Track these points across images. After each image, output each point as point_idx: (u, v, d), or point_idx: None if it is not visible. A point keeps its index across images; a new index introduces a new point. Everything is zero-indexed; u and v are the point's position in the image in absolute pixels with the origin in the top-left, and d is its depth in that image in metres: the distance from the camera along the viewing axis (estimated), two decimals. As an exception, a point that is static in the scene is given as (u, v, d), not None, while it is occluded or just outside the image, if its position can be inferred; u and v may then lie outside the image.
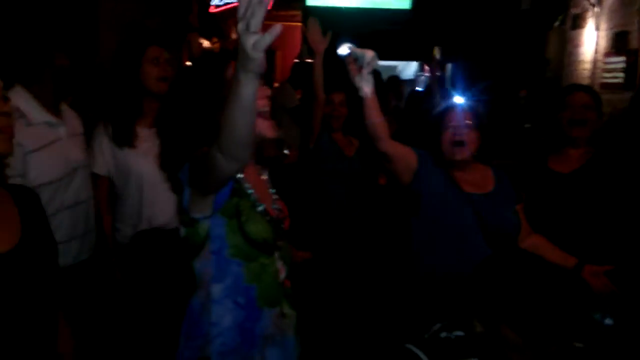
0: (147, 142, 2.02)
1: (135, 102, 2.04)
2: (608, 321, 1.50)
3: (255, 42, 1.05)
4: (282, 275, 1.52)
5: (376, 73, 4.95)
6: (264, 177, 1.61)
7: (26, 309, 1.13)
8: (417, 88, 10.01)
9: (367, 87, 1.68)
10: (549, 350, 1.35)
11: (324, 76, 2.95)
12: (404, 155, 1.91)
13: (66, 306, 1.78)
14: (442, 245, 1.83)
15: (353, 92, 1.77)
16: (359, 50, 1.65)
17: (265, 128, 1.45)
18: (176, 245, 1.56)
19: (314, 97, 2.92)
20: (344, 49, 6.85)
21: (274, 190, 1.61)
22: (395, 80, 6.17)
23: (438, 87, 5.33)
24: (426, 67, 10.55)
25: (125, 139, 2.02)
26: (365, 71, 1.64)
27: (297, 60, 6.34)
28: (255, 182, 1.52)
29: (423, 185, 1.88)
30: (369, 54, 1.64)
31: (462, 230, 1.82)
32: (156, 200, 2.02)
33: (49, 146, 1.79)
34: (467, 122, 1.90)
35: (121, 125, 2.02)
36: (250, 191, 1.47)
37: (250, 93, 1.11)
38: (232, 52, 1.58)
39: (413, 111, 5.27)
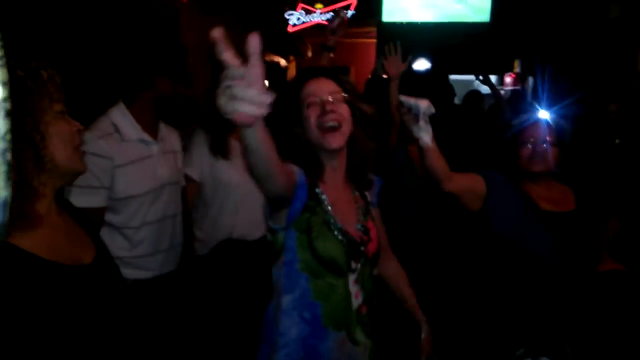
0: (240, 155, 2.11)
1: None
2: None
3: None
4: (358, 300, 1.48)
5: (450, 90, 4.85)
6: (356, 194, 1.58)
7: (108, 315, 1.18)
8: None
9: (426, 137, 1.65)
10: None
11: (399, 91, 2.94)
12: (471, 187, 1.87)
13: (147, 316, 1.87)
14: (515, 269, 1.73)
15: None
16: (412, 100, 1.62)
17: (333, 141, 1.45)
18: (256, 255, 1.60)
19: (390, 120, 2.91)
20: (420, 64, 6.81)
21: (368, 211, 1.58)
22: (476, 95, 5.91)
23: (506, 102, 5.13)
24: (506, 81, 10.22)
25: (220, 150, 2.14)
26: (422, 121, 1.59)
27: (370, 76, 6.33)
28: (340, 199, 1.50)
29: (495, 208, 1.81)
30: (424, 104, 1.59)
31: (537, 250, 1.71)
32: (239, 210, 2.12)
33: (139, 162, 1.89)
34: (548, 138, 1.83)
35: (218, 137, 2.14)
36: (328, 208, 1.46)
37: (252, 141, 1.10)
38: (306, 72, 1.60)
39: (494, 124, 5.07)
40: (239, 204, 2.18)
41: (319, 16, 7.69)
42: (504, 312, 1.74)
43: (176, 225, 2.05)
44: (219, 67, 2.16)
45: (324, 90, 1.48)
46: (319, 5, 7.78)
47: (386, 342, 1.65)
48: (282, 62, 9.89)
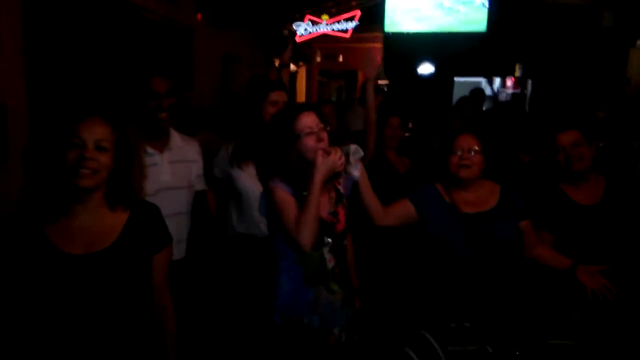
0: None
1: (254, 135, 2.54)
2: (577, 317, 1.75)
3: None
4: (331, 264, 2.01)
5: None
6: (330, 188, 2.06)
7: (117, 292, 1.53)
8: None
9: (355, 172, 2.05)
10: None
11: (404, 97, 3.24)
12: (402, 215, 2.26)
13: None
14: (441, 260, 2.16)
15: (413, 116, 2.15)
16: (343, 147, 2.06)
17: (311, 150, 1.91)
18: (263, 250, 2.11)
19: (367, 119, 3.22)
20: (425, 69, 7.17)
21: (340, 201, 2.08)
22: (479, 92, 6.21)
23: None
24: (507, 84, 10.56)
25: (237, 161, 2.58)
26: (352, 160, 2.01)
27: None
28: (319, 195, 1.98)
29: (425, 217, 2.22)
30: (353, 147, 2.02)
31: (455, 246, 2.12)
32: (252, 213, 2.55)
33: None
34: (476, 147, 2.18)
35: (239, 150, 2.59)
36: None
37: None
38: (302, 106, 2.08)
39: (494, 121, 5.31)
40: (252, 208, 2.56)
41: (325, 27, 8.12)
42: (437, 292, 2.15)
43: (179, 223, 2.41)
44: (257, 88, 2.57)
45: (315, 123, 1.96)
46: (324, 17, 8.20)
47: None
48: (292, 67, 10.36)
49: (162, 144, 2.39)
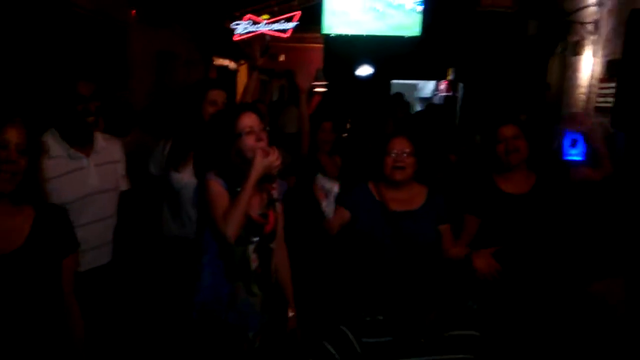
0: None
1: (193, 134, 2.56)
2: (474, 306, 1.91)
3: None
4: (255, 263, 2.05)
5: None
6: (263, 191, 2.11)
7: (25, 296, 1.53)
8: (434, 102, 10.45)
9: (330, 210, 2.19)
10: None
11: (343, 98, 3.30)
12: (342, 220, 2.38)
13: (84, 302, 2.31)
14: (364, 252, 2.29)
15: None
16: (327, 184, 2.15)
17: (250, 150, 1.98)
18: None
19: (301, 127, 3.31)
20: (363, 71, 7.33)
21: (272, 204, 2.12)
22: (398, 96, 6.54)
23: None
24: (440, 87, 10.98)
25: (174, 164, 2.58)
26: (331, 199, 2.14)
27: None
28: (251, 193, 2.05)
29: (356, 216, 2.34)
30: (335, 187, 2.14)
31: (381, 241, 2.25)
32: (188, 214, 2.56)
33: (67, 175, 2.23)
34: (407, 150, 2.31)
35: (176, 149, 2.59)
36: None
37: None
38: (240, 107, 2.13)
39: (428, 119, 5.53)
40: (188, 207, 2.55)
41: (265, 26, 8.15)
42: (356, 288, 2.27)
43: (107, 226, 2.42)
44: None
45: (255, 123, 2.03)
46: (265, 16, 8.24)
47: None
48: (232, 65, 10.31)
49: (87, 147, 2.37)
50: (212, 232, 2.01)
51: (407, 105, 6.21)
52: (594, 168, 2.95)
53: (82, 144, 2.33)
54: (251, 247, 2.05)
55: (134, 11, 5.82)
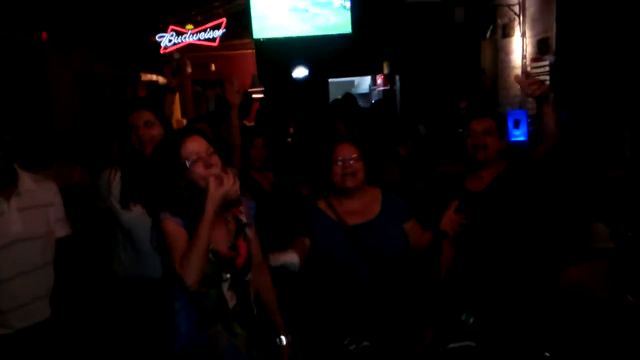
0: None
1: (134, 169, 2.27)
2: (471, 320, 1.79)
3: None
4: (232, 302, 1.82)
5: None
6: (229, 219, 1.87)
7: None
8: (373, 100, 10.44)
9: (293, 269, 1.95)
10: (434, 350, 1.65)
11: (282, 101, 3.09)
12: (306, 248, 2.13)
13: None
14: (332, 276, 2.11)
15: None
16: (282, 259, 1.90)
17: (201, 178, 1.76)
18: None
19: (231, 145, 3.04)
20: (298, 72, 7.08)
21: (241, 232, 1.88)
22: (350, 95, 6.27)
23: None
24: (377, 82, 10.99)
25: (123, 203, 2.26)
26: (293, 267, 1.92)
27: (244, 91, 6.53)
28: (214, 226, 1.79)
29: (314, 237, 2.14)
30: (295, 260, 1.91)
31: (341, 258, 2.08)
32: (144, 252, 2.26)
33: None
34: (354, 155, 2.15)
35: (124, 190, 2.28)
36: None
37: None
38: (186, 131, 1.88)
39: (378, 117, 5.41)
40: (145, 247, 2.18)
41: (191, 36, 7.82)
42: (328, 309, 2.08)
43: (38, 278, 2.11)
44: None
45: (202, 148, 1.79)
46: (189, 26, 7.91)
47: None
48: (161, 79, 9.88)
49: (7, 188, 2.05)
50: (177, 278, 1.76)
51: (354, 100, 5.99)
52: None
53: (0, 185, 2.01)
54: (225, 285, 1.81)
55: (45, 33, 5.39)
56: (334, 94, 9.90)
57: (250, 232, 1.93)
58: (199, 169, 1.75)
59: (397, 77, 9.86)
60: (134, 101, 2.49)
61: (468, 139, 2.40)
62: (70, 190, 2.74)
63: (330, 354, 1.74)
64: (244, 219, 1.92)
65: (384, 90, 10.36)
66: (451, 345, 1.62)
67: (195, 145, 1.79)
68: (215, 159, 1.80)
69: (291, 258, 1.89)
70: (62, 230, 2.22)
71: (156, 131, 2.30)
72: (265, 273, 2.01)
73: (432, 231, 2.16)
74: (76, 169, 3.33)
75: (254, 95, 7.83)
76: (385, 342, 1.74)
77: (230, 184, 1.72)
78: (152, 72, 9.22)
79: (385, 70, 10.32)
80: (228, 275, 1.81)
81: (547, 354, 1.78)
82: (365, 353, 1.64)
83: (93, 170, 3.09)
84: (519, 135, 6.08)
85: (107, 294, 2.49)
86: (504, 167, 2.40)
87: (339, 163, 2.14)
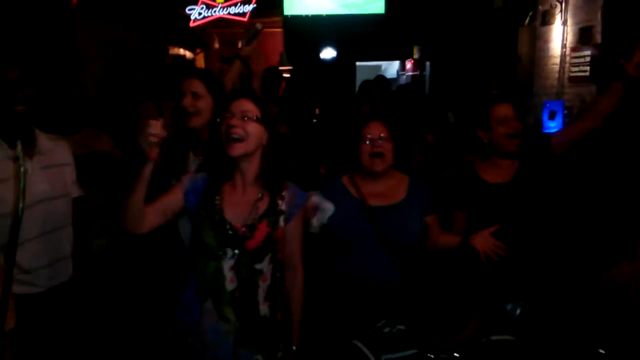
0: None
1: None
2: (517, 311, 1.67)
3: None
4: (232, 284, 1.71)
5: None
6: (263, 198, 1.77)
7: None
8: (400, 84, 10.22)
9: (317, 225, 1.91)
10: (476, 341, 1.53)
11: (308, 82, 3.01)
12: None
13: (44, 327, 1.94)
14: (349, 257, 2.01)
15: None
16: (324, 204, 1.87)
17: (232, 150, 1.72)
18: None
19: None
20: (327, 54, 6.92)
21: (269, 215, 1.76)
22: (383, 78, 6.04)
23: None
24: (407, 66, 10.76)
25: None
26: (323, 219, 1.90)
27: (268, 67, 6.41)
28: (238, 197, 1.76)
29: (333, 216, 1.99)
30: (330, 208, 1.89)
31: (359, 240, 1.99)
32: None
33: (9, 180, 1.89)
34: (383, 135, 2.04)
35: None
36: (216, 202, 1.75)
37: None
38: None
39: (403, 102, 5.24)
40: None
41: (221, 10, 7.70)
42: (348, 293, 2.01)
43: (62, 238, 2.08)
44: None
45: (238, 109, 1.73)
46: (219, 0, 7.79)
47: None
48: (188, 54, 9.81)
49: (29, 147, 1.98)
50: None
51: (387, 83, 5.80)
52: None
53: (25, 141, 1.93)
54: (227, 264, 1.70)
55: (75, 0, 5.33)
56: (360, 77, 9.72)
57: (285, 223, 1.78)
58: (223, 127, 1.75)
59: (428, 63, 9.63)
60: (188, 68, 2.40)
61: (499, 127, 2.23)
62: (101, 157, 2.71)
63: (361, 336, 1.64)
64: (282, 205, 1.79)
65: (412, 76, 10.14)
66: (494, 338, 1.50)
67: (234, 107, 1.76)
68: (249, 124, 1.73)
69: (329, 205, 1.83)
70: (76, 191, 2.18)
71: (203, 104, 2.17)
72: (296, 271, 1.86)
73: (462, 241, 2.03)
74: (104, 135, 3.29)
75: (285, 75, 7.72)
76: (421, 328, 1.63)
77: (145, 132, 1.56)
78: (179, 46, 9.15)
79: (416, 55, 10.09)
80: (233, 253, 1.71)
81: (601, 351, 1.65)
82: (400, 336, 1.53)
83: (120, 137, 3.05)
84: (554, 127, 5.85)
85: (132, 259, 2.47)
86: (517, 160, 2.28)
87: (368, 142, 2.04)
